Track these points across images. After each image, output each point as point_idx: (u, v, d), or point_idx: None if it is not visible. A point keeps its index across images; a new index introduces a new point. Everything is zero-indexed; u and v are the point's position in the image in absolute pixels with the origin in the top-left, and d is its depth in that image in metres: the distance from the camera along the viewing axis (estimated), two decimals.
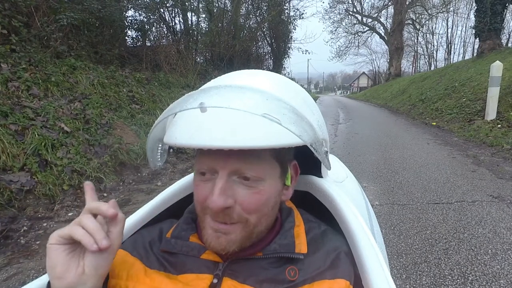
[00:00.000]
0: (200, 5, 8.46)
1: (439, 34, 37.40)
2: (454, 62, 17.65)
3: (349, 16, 25.14)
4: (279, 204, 0.49)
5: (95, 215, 0.40)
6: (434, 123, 7.31)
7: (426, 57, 28.32)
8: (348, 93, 52.57)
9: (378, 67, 37.08)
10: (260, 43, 12.59)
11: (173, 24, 8.01)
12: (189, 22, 8.26)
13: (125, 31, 6.39)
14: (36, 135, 2.89)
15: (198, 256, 0.48)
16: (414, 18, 23.37)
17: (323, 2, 42.26)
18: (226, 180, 0.42)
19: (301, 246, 0.49)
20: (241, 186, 0.43)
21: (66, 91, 3.79)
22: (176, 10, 7.83)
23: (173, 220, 0.57)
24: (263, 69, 1.07)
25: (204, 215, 0.45)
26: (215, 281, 0.45)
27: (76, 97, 3.85)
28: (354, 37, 26.11)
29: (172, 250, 0.49)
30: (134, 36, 6.92)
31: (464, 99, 7.41)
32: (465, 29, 23.36)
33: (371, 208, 0.98)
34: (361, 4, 24.42)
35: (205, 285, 0.45)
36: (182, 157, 4.35)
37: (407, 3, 20.16)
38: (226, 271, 0.46)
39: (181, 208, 0.59)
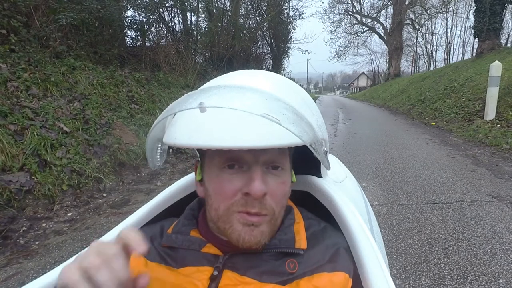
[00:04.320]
0: (200, 5, 8.45)
1: (438, 34, 37.73)
2: (453, 62, 17.65)
3: (349, 16, 25.16)
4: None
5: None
6: (434, 123, 7.31)
7: (425, 57, 28.42)
8: (348, 93, 52.59)
9: (378, 67, 37.23)
10: (259, 43, 12.61)
11: (173, 24, 8.02)
12: (189, 22, 8.27)
13: (125, 31, 6.39)
14: (35, 135, 2.89)
15: (199, 249, 0.49)
16: (414, 18, 23.37)
17: (323, 2, 42.47)
18: (262, 169, 0.44)
19: (301, 242, 0.49)
20: (270, 175, 0.45)
21: (65, 91, 3.78)
22: (175, 10, 7.83)
23: (174, 219, 0.57)
24: (263, 69, 1.07)
25: (229, 212, 0.45)
26: (216, 273, 0.46)
27: (76, 97, 3.85)
28: (353, 37, 26.11)
29: (173, 244, 0.50)
30: (133, 36, 6.93)
31: (463, 99, 7.41)
32: (464, 29, 23.52)
33: (370, 208, 0.97)
34: (360, 4, 24.44)
35: (205, 277, 0.46)
36: (182, 157, 4.35)
37: (406, 3, 20.16)
38: (227, 263, 0.47)
39: (180, 208, 0.59)
